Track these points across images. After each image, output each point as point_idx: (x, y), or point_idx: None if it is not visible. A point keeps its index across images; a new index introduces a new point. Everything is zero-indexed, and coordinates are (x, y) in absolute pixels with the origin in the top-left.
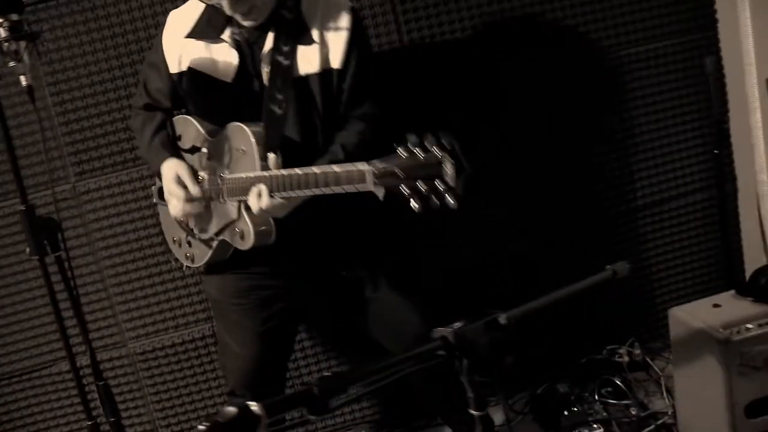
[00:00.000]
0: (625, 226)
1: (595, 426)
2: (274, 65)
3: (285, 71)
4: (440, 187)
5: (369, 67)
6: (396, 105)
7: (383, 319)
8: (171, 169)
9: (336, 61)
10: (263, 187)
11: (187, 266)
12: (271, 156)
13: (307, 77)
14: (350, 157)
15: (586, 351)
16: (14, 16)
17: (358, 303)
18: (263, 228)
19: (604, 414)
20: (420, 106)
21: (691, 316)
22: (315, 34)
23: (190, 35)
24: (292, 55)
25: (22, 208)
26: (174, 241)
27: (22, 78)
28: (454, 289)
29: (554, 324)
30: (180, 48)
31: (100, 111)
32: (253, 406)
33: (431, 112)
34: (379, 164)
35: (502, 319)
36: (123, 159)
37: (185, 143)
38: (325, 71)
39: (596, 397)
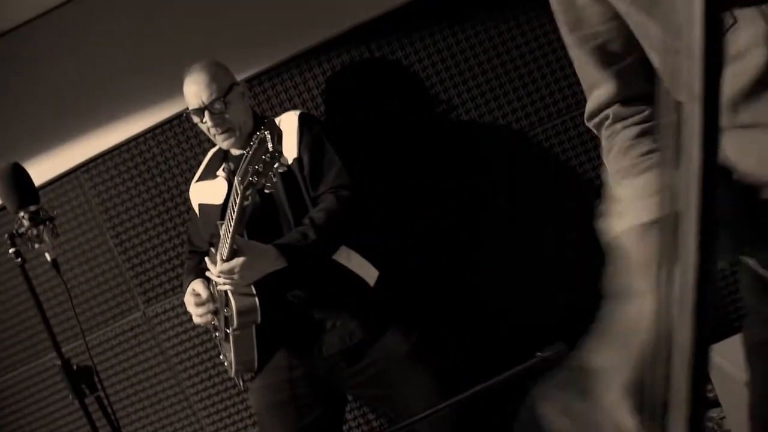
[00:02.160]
0: None
1: None
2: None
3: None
4: (269, 157)
5: (323, 149)
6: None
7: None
8: (191, 286)
9: (291, 155)
10: (218, 257)
11: (240, 383)
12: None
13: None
14: (320, 230)
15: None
16: (32, 207)
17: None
18: (246, 303)
19: None
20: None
21: None
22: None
23: (197, 181)
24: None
25: (58, 362)
26: (225, 359)
27: (47, 255)
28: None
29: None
30: (195, 194)
31: (155, 241)
32: None
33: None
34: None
35: None
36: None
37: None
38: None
39: None
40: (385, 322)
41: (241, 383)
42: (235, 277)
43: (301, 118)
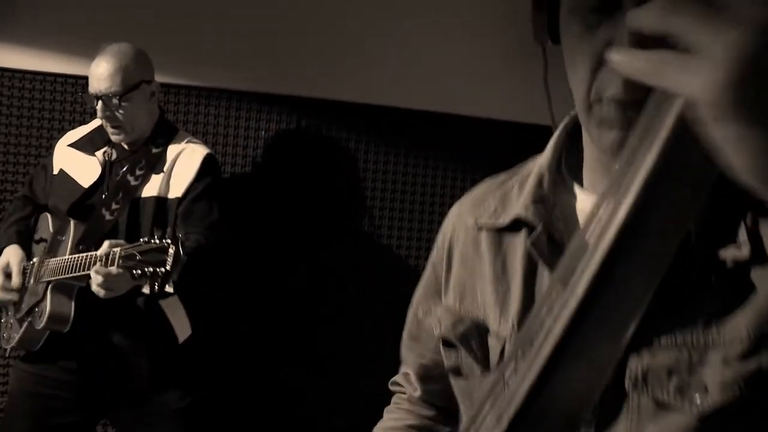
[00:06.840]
0: None
1: None
2: (123, 181)
3: (129, 189)
4: (160, 271)
5: (208, 199)
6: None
7: None
8: (6, 255)
9: (177, 193)
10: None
11: (6, 348)
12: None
13: (144, 199)
14: (189, 256)
15: None
16: None
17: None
18: (62, 311)
19: None
20: None
21: None
22: (167, 166)
23: (71, 145)
24: (142, 179)
25: None
26: (4, 331)
27: None
28: None
29: None
30: (62, 154)
31: None
32: None
33: None
34: (126, 246)
35: None
36: None
37: (38, 235)
38: (160, 198)
39: None
40: (173, 377)
41: (8, 351)
42: (111, 282)
43: (204, 161)
